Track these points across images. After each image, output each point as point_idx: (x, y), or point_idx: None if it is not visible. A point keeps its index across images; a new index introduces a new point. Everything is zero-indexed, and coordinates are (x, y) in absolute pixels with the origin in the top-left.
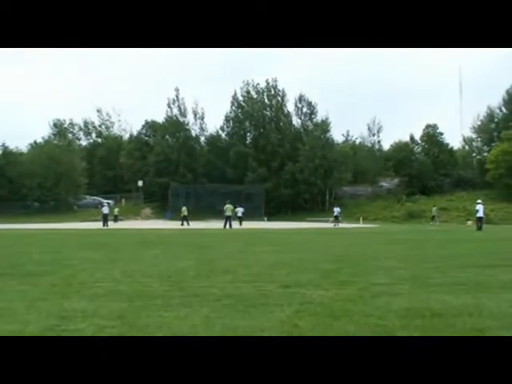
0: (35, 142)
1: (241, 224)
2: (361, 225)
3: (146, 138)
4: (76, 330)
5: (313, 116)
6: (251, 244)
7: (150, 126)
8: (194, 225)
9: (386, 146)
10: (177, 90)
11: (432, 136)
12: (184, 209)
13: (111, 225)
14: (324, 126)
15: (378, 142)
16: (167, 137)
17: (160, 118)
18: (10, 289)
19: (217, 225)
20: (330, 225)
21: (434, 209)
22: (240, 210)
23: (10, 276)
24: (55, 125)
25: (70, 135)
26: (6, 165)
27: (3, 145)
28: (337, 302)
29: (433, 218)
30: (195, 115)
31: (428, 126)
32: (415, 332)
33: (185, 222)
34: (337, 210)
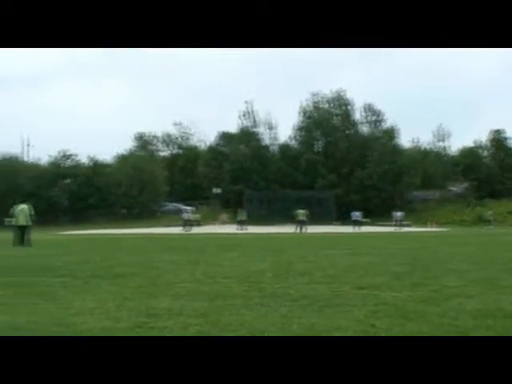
0: (120, 154)
1: (306, 228)
2: (430, 228)
3: (222, 148)
4: (163, 327)
5: (381, 123)
6: (324, 247)
7: (225, 136)
8: (268, 229)
9: (455, 151)
10: (248, 102)
11: (499, 140)
12: (243, 213)
13: (192, 230)
14: (391, 132)
15: (446, 147)
16: (241, 146)
17: (233, 129)
18: (101, 289)
19: (289, 229)
20: (396, 229)
21: (489, 213)
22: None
23: (100, 277)
24: (138, 138)
25: (151, 147)
26: (95, 175)
27: (91, 157)
28: (410, 303)
29: (488, 221)
30: (266, 126)
31: (495, 131)
32: (487, 332)
33: (242, 227)
34: (399, 214)
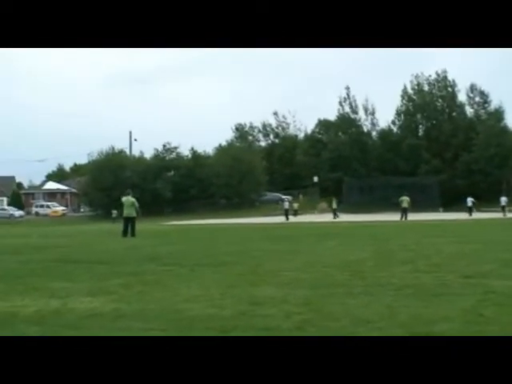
0: (220, 145)
1: (406, 217)
2: (474, 215)
3: (320, 136)
4: (267, 315)
5: (486, 105)
6: (428, 235)
7: (323, 124)
8: (369, 217)
9: None
10: (347, 88)
11: None
12: (334, 202)
13: (291, 219)
14: (498, 114)
15: None
16: (340, 134)
17: (332, 116)
18: (206, 277)
19: (391, 217)
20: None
21: None
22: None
23: (204, 266)
24: (237, 129)
25: (250, 137)
26: (196, 167)
27: (192, 149)
28: None
29: None
30: (366, 111)
31: None
32: None
33: (335, 215)
34: (470, 200)
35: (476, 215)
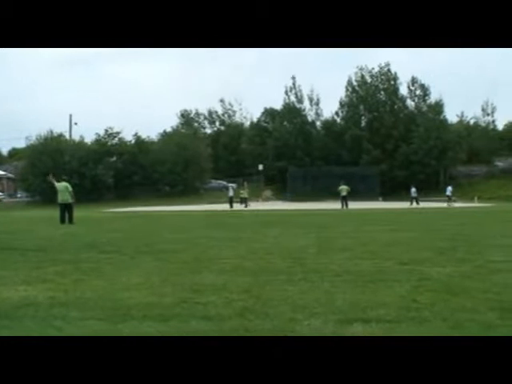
0: (165, 131)
1: (347, 205)
2: (476, 204)
3: (266, 125)
4: (207, 302)
5: (426, 98)
6: (367, 223)
7: (269, 113)
8: (311, 206)
9: (501, 125)
10: (293, 77)
11: None
12: (243, 191)
13: (237, 207)
14: (438, 107)
15: (493, 121)
16: (285, 123)
17: (278, 105)
18: (147, 265)
19: (333, 206)
20: (443, 204)
21: None
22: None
23: (145, 253)
24: (182, 115)
25: (195, 124)
26: (139, 153)
27: (136, 134)
28: (454, 278)
29: None
30: (311, 101)
31: None
32: None
33: (244, 204)
34: (449, 189)
35: (416, 204)
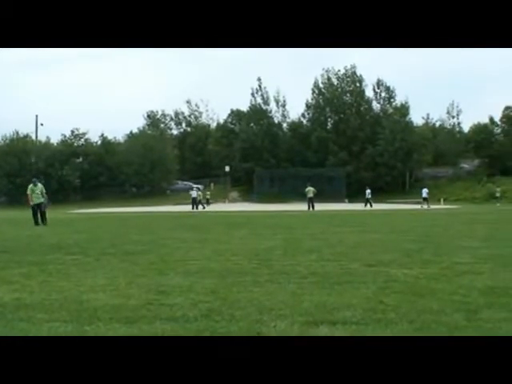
0: (131, 132)
1: (313, 207)
2: (442, 206)
3: (232, 126)
4: (173, 304)
5: (392, 100)
6: (334, 225)
7: (236, 114)
8: (278, 207)
9: (466, 127)
10: (259, 79)
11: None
12: (200, 193)
13: (202, 208)
14: (403, 109)
15: (458, 124)
16: (252, 124)
17: (244, 107)
18: (113, 267)
19: (299, 207)
20: (410, 206)
21: (497, 189)
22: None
23: (111, 255)
24: (149, 116)
25: (162, 125)
26: (105, 154)
27: (102, 135)
28: (420, 280)
29: (496, 198)
30: (277, 103)
31: (507, 108)
32: (501, 310)
33: (200, 206)
34: (425, 191)
35: (370, 206)
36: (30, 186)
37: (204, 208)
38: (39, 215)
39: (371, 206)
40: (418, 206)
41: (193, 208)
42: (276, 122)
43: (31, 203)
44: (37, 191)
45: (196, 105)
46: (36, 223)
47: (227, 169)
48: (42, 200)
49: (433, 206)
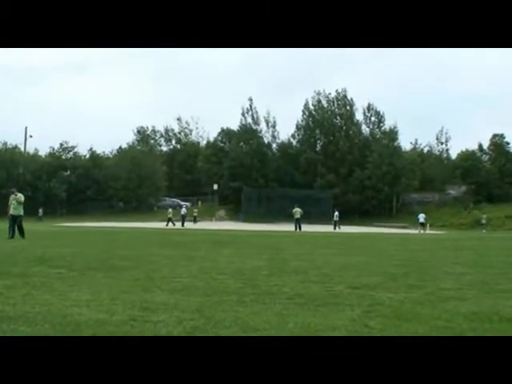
0: (120, 147)
1: (300, 228)
2: (428, 231)
3: (222, 145)
4: (158, 321)
5: (381, 124)
6: (320, 246)
7: (226, 133)
8: (265, 227)
9: (454, 154)
10: (250, 99)
11: (499, 145)
12: (170, 210)
13: (190, 225)
14: (392, 134)
15: (446, 150)
16: (241, 144)
17: (235, 126)
18: (97, 281)
19: (286, 227)
20: (396, 230)
21: (483, 216)
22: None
23: (96, 270)
24: (139, 132)
25: (152, 141)
26: (94, 168)
27: (91, 149)
28: (405, 304)
29: (482, 225)
30: (267, 123)
31: (495, 136)
32: (484, 335)
33: (170, 224)
34: (422, 216)
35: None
36: (11, 196)
37: (174, 225)
38: (16, 228)
39: (339, 228)
40: (415, 231)
41: (182, 225)
42: (266, 142)
43: (9, 214)
44: (13, 202)
45: (186, 122)
46: (12, 235)
47: (215, 187)
48: (20, 212)
49: (419, 231)
